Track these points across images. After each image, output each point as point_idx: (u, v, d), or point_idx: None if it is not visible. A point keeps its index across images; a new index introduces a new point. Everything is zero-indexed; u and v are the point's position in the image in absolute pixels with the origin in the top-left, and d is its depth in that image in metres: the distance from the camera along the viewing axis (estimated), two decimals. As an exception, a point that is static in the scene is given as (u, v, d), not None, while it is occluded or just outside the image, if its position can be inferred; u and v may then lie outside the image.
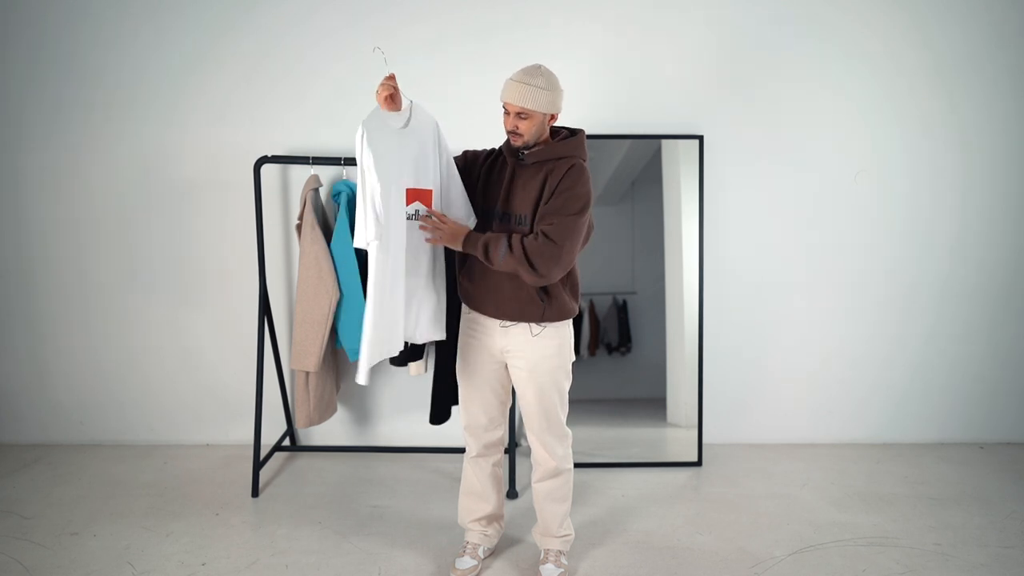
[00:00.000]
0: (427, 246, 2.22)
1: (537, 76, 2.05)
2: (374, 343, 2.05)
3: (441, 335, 2.31)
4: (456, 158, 2.27)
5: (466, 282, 2.23)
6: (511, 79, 2.07)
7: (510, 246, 2.02)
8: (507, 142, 2.16)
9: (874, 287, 3.38)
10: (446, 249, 2.31)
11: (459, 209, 2.22)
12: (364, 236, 2.01)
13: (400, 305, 2.13)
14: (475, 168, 2.26)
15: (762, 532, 2.59)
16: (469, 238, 2.10)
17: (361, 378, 2.06)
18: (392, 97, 2.05)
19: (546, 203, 2.06)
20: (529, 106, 2.03)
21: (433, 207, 2.16)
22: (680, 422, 3.28)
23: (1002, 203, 3.34)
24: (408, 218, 2.11)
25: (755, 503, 2.83)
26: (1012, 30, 3.23)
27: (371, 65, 3.24)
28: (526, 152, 2.12)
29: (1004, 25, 3.22)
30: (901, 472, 3.13)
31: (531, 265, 2.00)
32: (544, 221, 2.04)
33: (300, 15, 3.23)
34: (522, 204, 2.10)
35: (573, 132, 2.21)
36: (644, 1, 3.21)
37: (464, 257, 2.22)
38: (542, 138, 2.13)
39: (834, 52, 3.25)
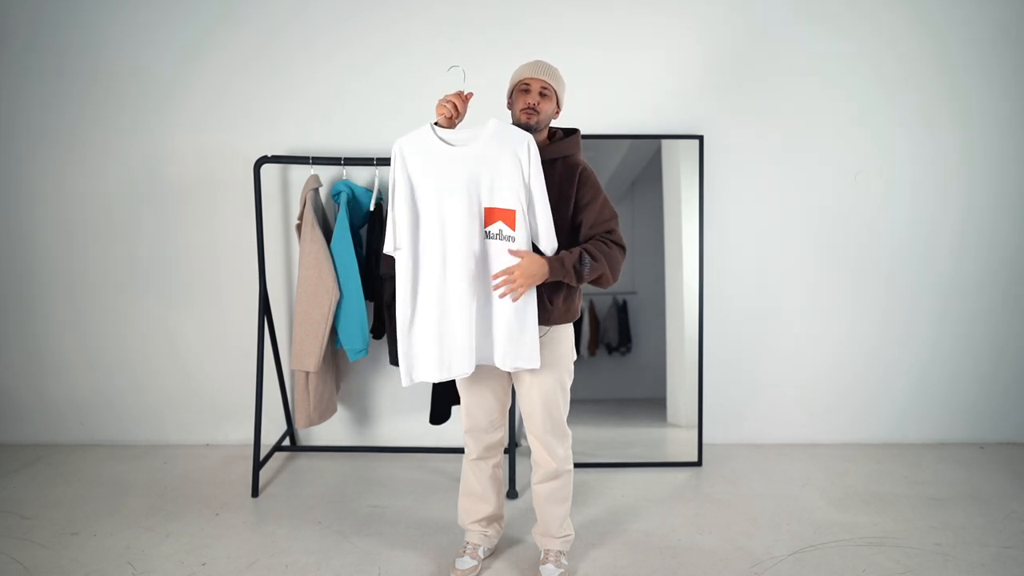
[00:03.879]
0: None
1: (552, 65, 2.16)
2: (409, 356, 2.08)
3: (535, 363, 2.06)
4: None
5: None
6: (530, 62, 2.13)
7: (592, 257, 2.03)
8: None
9: (874, 287, 3.38)
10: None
11: (544, 235, 2.05)
12: (387, 246, 2.10)
13: (463, 327, 2.03)
14: None
15: (762, 532, 2.59)
16: (554, 267, 2.00)
17: (403, 380, 2.10)
18: (451, 116, 2.03)
19: (578, 206, 2.10)
20: (553, 83, 2.10)
21: (517, 228, 2.01)
22: (680, 422, 3.28)
23: (1003, 203, 3.33)
24: (490, 237, 2.04)
25: (755, 503, 2.83)
26: (1018, 29, 3.22)
27: (371, 64, 3.26)
28: None
29: (1010, 23, 3.22)
30: (901, 472, 3.13)
31: (614, 273, 2.08)
32: (600, 228, 2.09)
33: (299, 13, 3.23)
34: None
35: (567, 132, 2.22)
36: (645, 2, 3.21)
37: None
38: (546, 128, 2.16)
39: (835, 51, 3.25)
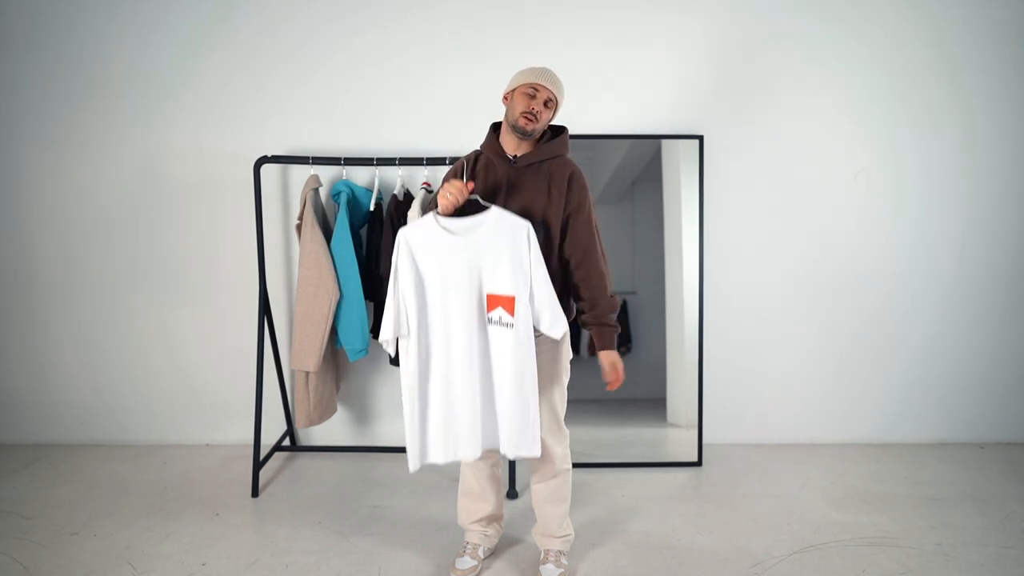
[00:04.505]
0: (512, 355, 2.06)
1: (559, 77, 2.15)
2: (414, 436, 2.11)
3: (535, 452, 2.09)
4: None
5: None
6: (539, 68, 2.12)
7: (614, 324, 2.16)
8: (493, 146, 2.16)
9: (875, 287, 3.38)
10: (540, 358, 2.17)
11: (547, 318, 2.07)
12: (385, 333, 2.09)
13: (467, 412, 2.07)
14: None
15: (762, 532, 2.58)
16: (612, 342, 2.15)
17: (410, 465, 2.12)
18: (454, 205, 2.04)
19: (566, 211, 2.12)
20: (559, 96, 2.11)
21: (516, 314, 2.04)
22: (680, 422, 3.28)
23: (1004, 203, 3.33)
24: (491, 323, 2.07)
25: (755, 503, 2.83)
26: (1020, 29, 3.22)
27: (372, 63, 3.26)
28: (520, 156, 2.14)
29: (1012, 23, 3.22)
30: (901, 472, 3.13)
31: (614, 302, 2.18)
32: (584, 260, 2.13)
33: (299, 13, 3.23)
34: (524, 206, 2.10)
35: (555, 132, 2.23)
36: (645, 1, 3.21)
37: None
38: (539, 134, 2.15)
39: (835, 51, 3.25)
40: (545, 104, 2.09)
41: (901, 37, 3.24)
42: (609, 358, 2.13)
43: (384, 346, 2.13)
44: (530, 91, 2.08)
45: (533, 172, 2.12)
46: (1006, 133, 3.29)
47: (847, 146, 3.30)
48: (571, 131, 3.30)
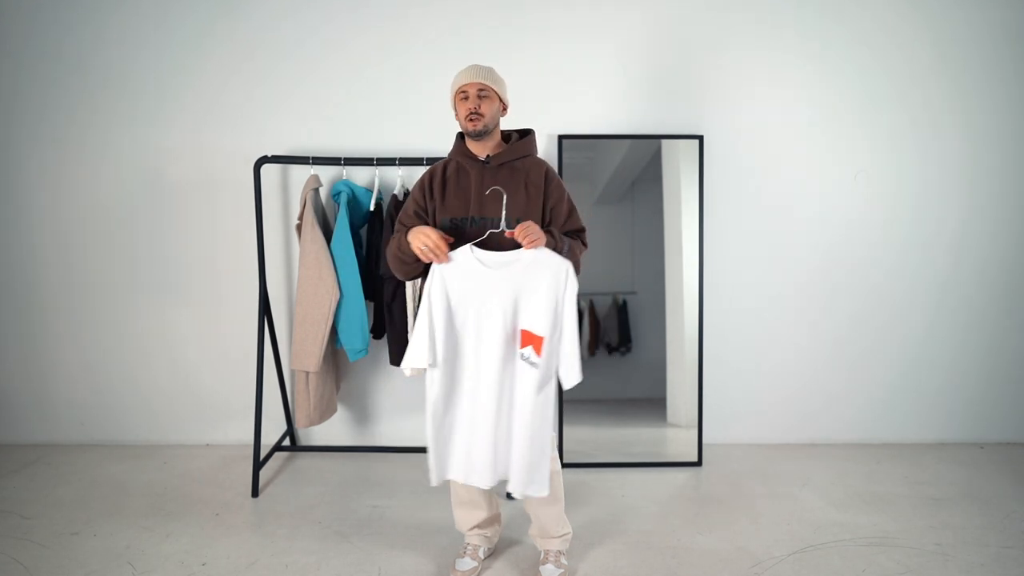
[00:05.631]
0: (532, 396, 2.03)
1: (488, 65, 2.16)
2: (437, 455, 2.10)
3: (544, 492, 2.08)
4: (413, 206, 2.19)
5: None
6: (462, 69, 2.14)
7: (572, 251, 2.13)
8: (462, 150, 2.17)
9: (874, 287, 3.38)
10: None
11: (565, 363, 2.06)
12: (418, 361, 2.05)
13: (487, 440, 2.07)
14: (431, 195, 2.18)
15: (762, 532, 2.59)
16: (552, 246, 2.08)
17: (432, 480, 2.10)
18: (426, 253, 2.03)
19: (547, 205, 2.16)
20: (489, 83, 2.11)
21: (542, 356, 2.03)
22: (680, 422, 3.28)
23: (1004, 203, 3.34)
24: (522, 359, 2.06)
25: (755, 503, 2.83)
26: (1020, 29, 3.22)
27: (372, 63, 3.26)
28: (492, 156, 2.14)
29: (1012, 23, 3.22)
30: (901, 472, 3.13)
31: (578, 267, 2.15)
32: (569, 227, 2.19)
33: (298, 12, 3.23)
34: (499, 208, 2.09)
35: (522, 133, 2.24)
36: (645, 1, 3.21)
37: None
38: (496, 128, 2.16)
39: (836, 51, 3.25)
40: (480, 96, 2.10)
41: (902, 37, 3.24)
42: (539, 229, 2.04)
43: (405, 371, 2.09)
44: (461, 95, 2.12)
45: (508, 172, 2.14)
46: (1006, 133, 3.29)
47: (847, 146, 3.30)
48: (570, 131, 3.32)
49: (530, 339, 2.05)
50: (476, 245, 2.06)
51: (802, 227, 3.35)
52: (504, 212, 2.07)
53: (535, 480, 2.07)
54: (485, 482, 2.08)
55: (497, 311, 2.05)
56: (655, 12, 3.22)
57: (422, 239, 2.01)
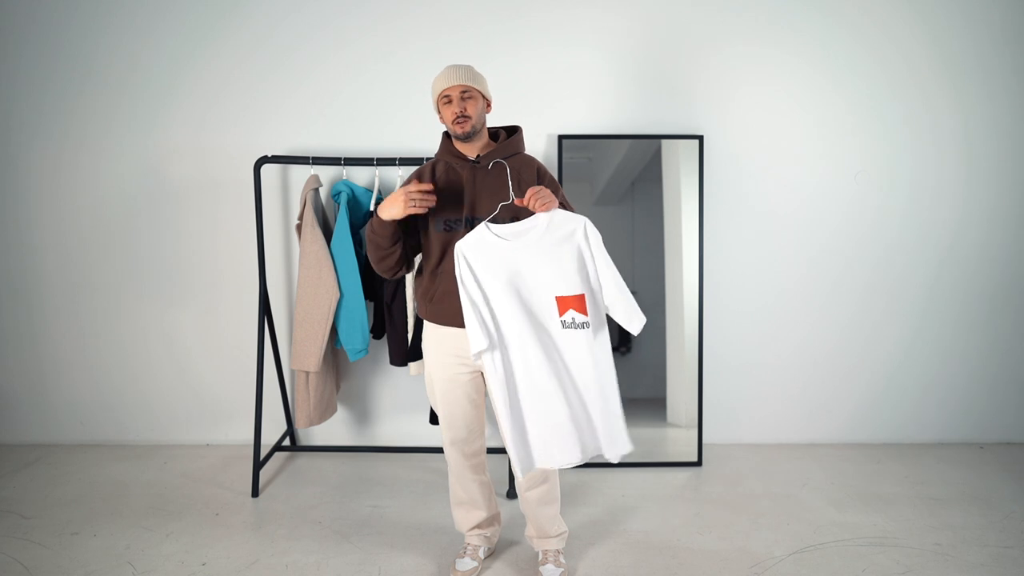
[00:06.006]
0: (589, 354, 2.01)
1: (465, 64, 2.14)
2: (519, 445, 2.03)
3: (628, 447, 2.05)
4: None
5: (427, 304, 2.18)
6: (442, 73, 2.12)
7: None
8: (450, 150, 2.16)
9: (874, 287, 3.38)
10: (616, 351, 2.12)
11: (620, 309, 2.03)
12: (479, 344, 2.00)
13: (557, 416, 2.01)
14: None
15: (762, 532, 2.59)
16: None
17: (519, 473, 2.04)
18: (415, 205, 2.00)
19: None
20: (471, 83, 2.09)
21: (588, 312, 2.01)
22: (680, 422, 3.28)
23: (1003, 202, 3.33)
24: (565, 327, 2.01)
25: (755, 503, 2.83)
26: (1019, 29, 3.22)
27: (372, 62, 3.26)
28: (482, 155, 2.13)
29: (1010, 24, 3.21)
30: (901, 472, 3.13)
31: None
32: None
33: (298, 11, 3.23)
34: (496, 203, 2.09)
35: (510, 131, 2.23)
36: (645, 1, 3.21)
37: (427, 280, 2.18)
38: (483, 127, 2.15)
39: (836, 51, 3.25)
40: (464, 99, 2.09)
41: (901, 37, 3.23)
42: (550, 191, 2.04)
43: (475, 359, 2.03)
44: (444, 99, 2.11)
45: (498, 171, 2.13)
46: (1003, 133, 3.28)
47: (847, 146, 3.30)
48: (570, 131, 3.32)
49: (568, 303, 2.01)
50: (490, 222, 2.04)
51: (802, 227, 3.35)
52: (510, 184, 2.06)
53: (618, 440, 2.03)
54: (571, 459, 2.01)
55: (530, 283, 2.01)
56: (655, 12, 3.22)
57: (401, 197, 1.97)
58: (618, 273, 2.03)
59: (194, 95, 3.29)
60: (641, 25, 3.23)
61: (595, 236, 2.02)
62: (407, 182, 2.13)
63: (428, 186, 2.03)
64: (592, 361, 2.01)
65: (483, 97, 2.14)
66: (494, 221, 2.06)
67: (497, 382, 2.02)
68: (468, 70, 2.11)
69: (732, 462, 3.25)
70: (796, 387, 3.45)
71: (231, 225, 3.34)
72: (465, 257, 2.04)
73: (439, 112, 2.16)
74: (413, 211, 2.00)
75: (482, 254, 2.03)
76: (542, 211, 2.00)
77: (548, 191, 2.02)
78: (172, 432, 3.51)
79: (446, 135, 2.21)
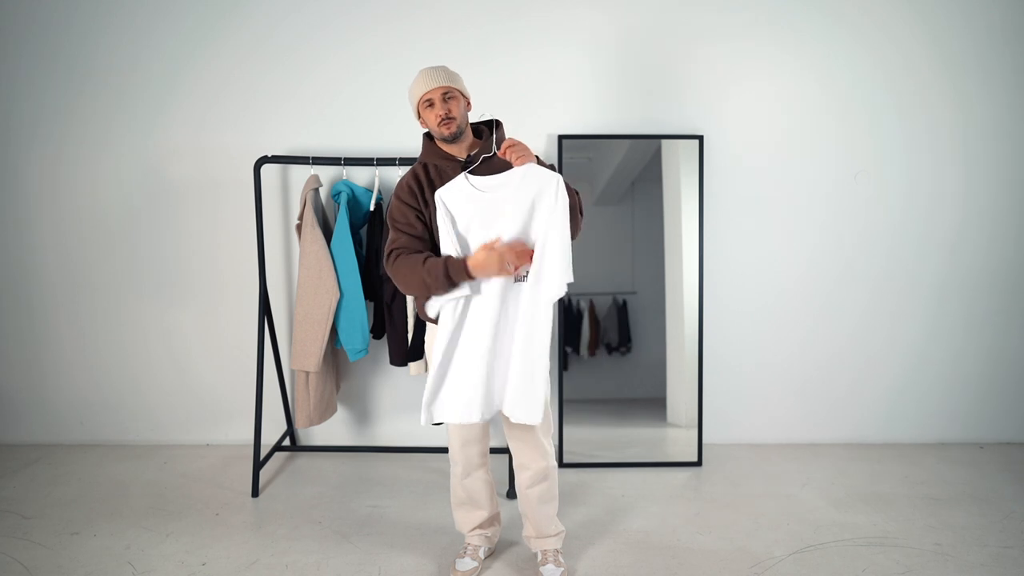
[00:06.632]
0: (524, 311, 2.02)
1: (439, 65, 2.13)
2: (433, 396, 2.06)
3: (535, 419, 2.03)
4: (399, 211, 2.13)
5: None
6: (419, 76, 2.11)
7: (569, 190, 2.06)
8: (436, 152, 2.15)
9: (874, 287, 3.38)
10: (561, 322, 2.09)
11: (554, 270, 1.99)
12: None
13: (478, 371, 2.02)
14: (424, 203, 2.14)
15: (762, 532, 2.59)
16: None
17: (422, 419, 2.06)
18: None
19: None
20: (451, 84, 2.09)
21: (532, 268, 2.01)
22: (680, 422, 3.28)
23: (1002, 202, 3.33)
24: (517, 280, 2.03)
25: (755, 503, 2.83)
26: (1018, 29, 3.22)
27: (372, 62, 3.26)
28: (472, 154, 2.13)
29: (1010, 24, 3.21)
30: (901, 472, 3.13)
31: (581, 212, 2.11)
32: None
33: (298, 11, 3.23)
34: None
35: (490, 126, 2.22)
36: (645, 1, 3.21)
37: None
38: (467, 126, 2.15)
39: (836, 51, 3.25)
40: (447, 100, 2.08)
41: (901, 37, 3.23)
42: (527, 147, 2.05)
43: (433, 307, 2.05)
44: (426, 103, 2.10)
45: (487, 167, 2.11)
46: (1003, 133, 3.28)
47: (848, 146, 3.30)
48: (570, 131, 3.32)
49: (529, 256, 2.02)
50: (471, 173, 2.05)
51: (802, 227, 3.35)
52: (494, 137, 2.07)
53: (528, 406, 2.01)
54: (469, 419, 2.03)
55: (494, 234, 2.01)
56: (656, 12, 3.22)
57: (496, 262, 1.95)
58: (568, 237, 2.01)
59: (194, 95, 3.29)
60: (641, 25, 3.23)
61: (564, 197, 2.01)
62: (397, 189, 2.14)
63: (522, 246, 2.00)
64: (523, 318, 2.02)
65: (463, 96, 2.14)
66: (473, 173, 2.07)
67: (445, 331, 2.04)
68: (445, 71, 2.10)
69: (732, 462, 3.25)
70: (796, 387, 3.45)
71: (231, 225, 3.34)
72: (445, 203, 2.05)
73: (419, 117, 2.15)
74: (507, 274, 1.99)
75: (460, 203, 2.04)
76: (519, 164, 2.01)
77: (524, 144, 2.03)
78: (172, 432, 3.51)
79: (428, 138, 2.20)
